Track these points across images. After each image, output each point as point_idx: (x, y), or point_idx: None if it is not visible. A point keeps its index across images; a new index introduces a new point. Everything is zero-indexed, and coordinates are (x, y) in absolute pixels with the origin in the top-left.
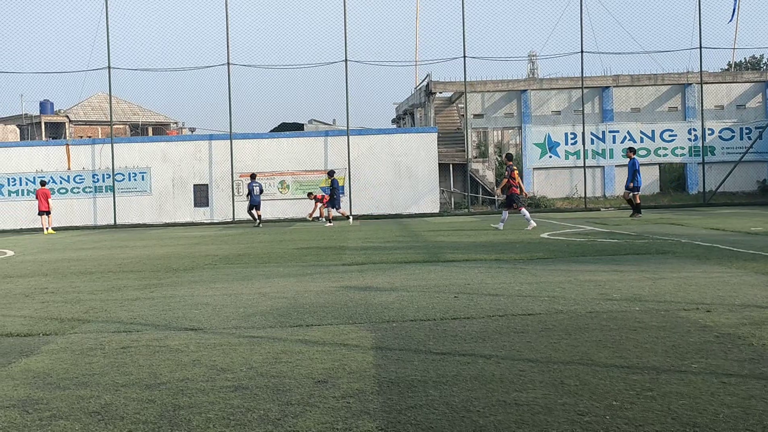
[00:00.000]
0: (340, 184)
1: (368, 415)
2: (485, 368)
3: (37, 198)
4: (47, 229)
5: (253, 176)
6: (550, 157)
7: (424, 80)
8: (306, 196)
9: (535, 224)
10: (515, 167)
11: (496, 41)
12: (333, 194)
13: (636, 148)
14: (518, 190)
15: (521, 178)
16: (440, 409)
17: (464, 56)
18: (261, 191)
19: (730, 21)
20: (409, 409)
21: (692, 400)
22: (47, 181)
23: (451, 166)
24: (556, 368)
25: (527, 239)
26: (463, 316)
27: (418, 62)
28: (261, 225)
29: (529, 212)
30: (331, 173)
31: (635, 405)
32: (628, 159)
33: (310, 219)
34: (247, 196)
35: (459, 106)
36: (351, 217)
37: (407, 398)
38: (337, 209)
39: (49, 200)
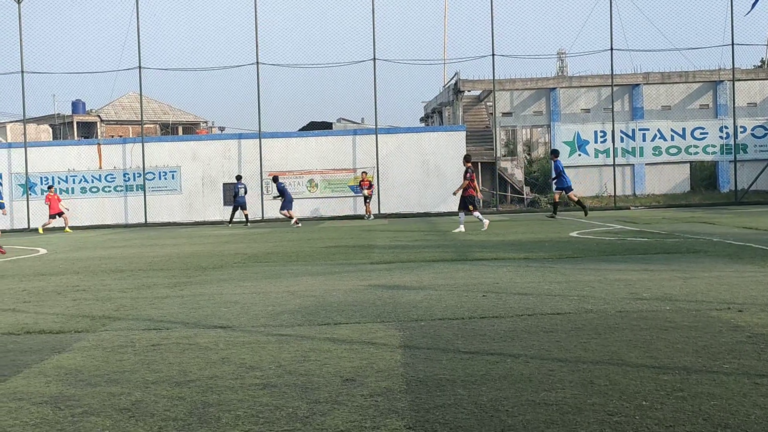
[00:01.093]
0: (371, 182)
1: (396, 413)
2: (514, 367)
3: (48, 202)
4: (66, 227)
5: (238, 178)
6: (579, 155)
7: (452, 78)
8: (334, 195)
9: (488, 221)
10: (473, 169)
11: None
12: (283, 196)
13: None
14: (475, 192)
15: (550, 176)
16: (468, 408)
17: (493, 54)
18: (246, 192)
19: (747, 14)
20: (437, 408)
21: (724, 401)
22: (52, 184)
23: (479, 164)
24: (585, 368)
25: (556, 238)
26: (492, 315)
27: (447, 60)
28: (249, 225)
29: (554, 210)
30: (275, 179)
31: (665, 405)
32: (552, 162)
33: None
34: (234, 197)
35: (487, 104)
36: (298, 222)
37: (435, 397)
38: (287, 210)
39: (60, 203)
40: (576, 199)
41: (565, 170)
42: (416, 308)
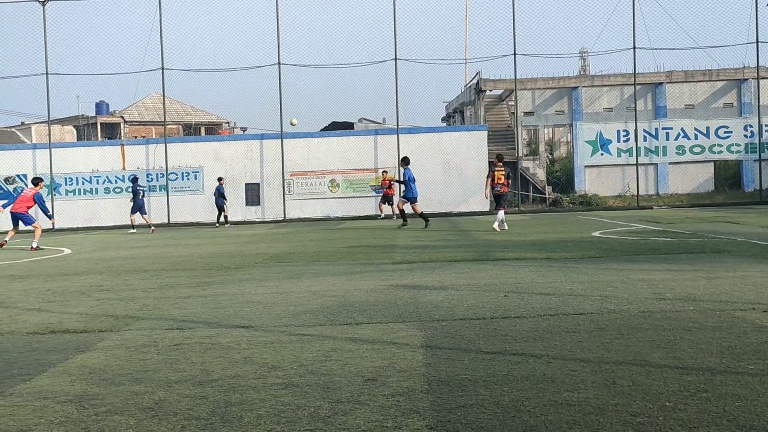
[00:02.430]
0: (392, 181)
1: (418, 413)
2: (536, 368)
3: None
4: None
5: (219, 179)
6: (602, 154)
7: (474, 78)
8: (356, 195)
9: (497, 227)
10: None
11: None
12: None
13: (688, 145)
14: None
15: (573, 175)
16: (490, 409)
17: (515, 54)
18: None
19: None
20: (458, 408)
21: (748, 403)
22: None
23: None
24: (608, 368)
25: (578, 238)
26: (514, 315)
27: (468, 60)
28: (229, 225)
29: (578, 211)
30: (219, 179)
31: (689, 406)
32: (402, 169)
33: None
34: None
35: (509, 103)
36: (229, 223)
37: (457, 397)
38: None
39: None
40: (419, 212)
41: (591, 170)
42: (438, 308)
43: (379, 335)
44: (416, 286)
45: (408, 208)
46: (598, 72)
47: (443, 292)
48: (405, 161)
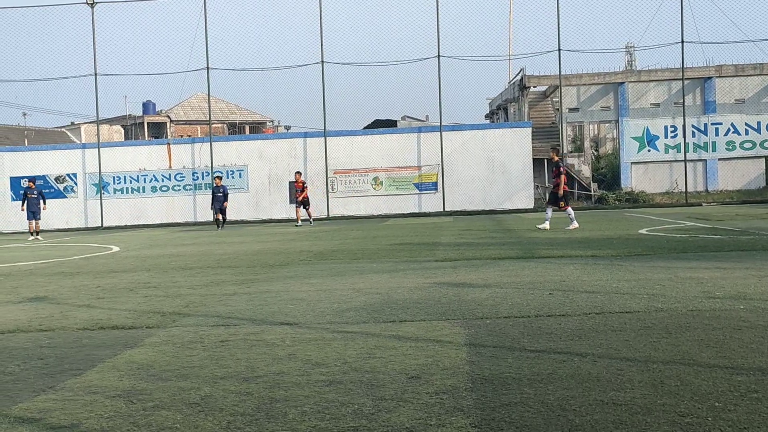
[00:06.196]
0: (432, 180)
1: (462, 411)
2: (581, 367)
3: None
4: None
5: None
6: (649, 150)
7: (517, 75)
8: (399, 193)
9: (547, 223)
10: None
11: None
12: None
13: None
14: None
15: (619, 172)
16: (535, 407)
17: (559, 49)
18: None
19: None
20: (503, 407)
21: None
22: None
23: (545, 161)
24: (655, 368)
25: (625, 235)
26: (559, 314)
27: (512, 56)
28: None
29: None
30: (219, 177)
31: (739, 407)
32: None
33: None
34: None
35: (554, 100)
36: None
37: (501, 395)
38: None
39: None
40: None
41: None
42: (481, 306)
43: (422, 333)
44: (460, 284)
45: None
46: (645, 67)
47: (487, 290)
48: (298, 173)
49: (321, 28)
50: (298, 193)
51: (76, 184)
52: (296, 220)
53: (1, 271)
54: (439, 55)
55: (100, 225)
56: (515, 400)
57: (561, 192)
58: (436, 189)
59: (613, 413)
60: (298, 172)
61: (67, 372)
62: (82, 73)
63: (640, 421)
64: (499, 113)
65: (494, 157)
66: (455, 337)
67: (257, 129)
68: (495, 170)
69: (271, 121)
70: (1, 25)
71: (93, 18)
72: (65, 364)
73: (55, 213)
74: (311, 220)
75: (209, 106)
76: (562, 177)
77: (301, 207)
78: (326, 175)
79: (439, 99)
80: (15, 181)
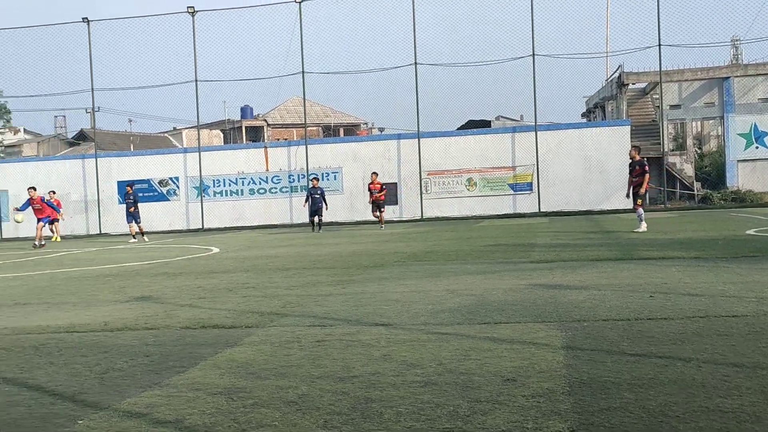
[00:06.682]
0: (527, 181)
1: (559, 415)
2: (685, 372)
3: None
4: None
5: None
6: (757, 147)
7: (615, 72)
8: (493, 193)
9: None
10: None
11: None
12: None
13: None
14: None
15: (724, 171)
16: (635, 413)
17: (659, 44)
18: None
19: None
20: (601, 411)
21: None
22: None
23: (645, 160)
24: (765, 374)
25: (731, 236)
26: (660, 317)
27: (609, 53)
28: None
29: (731, 208)
30: (316, 178)
31: None
32: None
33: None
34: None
35: (653, 96)
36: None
37: (600, 400)
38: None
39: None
40: None
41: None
42: (579, 308)
43: (518, 335)
44: (556, 286)
45: None
46: (752, 60)
47: (584, 292)
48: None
49: (414, 30)
50: (374, 194)
51: (178, 187)
52: (379, 223)
53: (110, 272)
54: (534, 54)
55: (200, 227)
56: (614, 404)
57: (642, 191)
58: (531, 189)
59: (719, 421)
60: (374, 173)
61: (171, 369)
62: (183, 80)
63: (748, 429)
64: (596, 111)
65: (591, 156)
66: (552, 339)
67: (351, 131)
68: (592, 170)
69: (365, 123)
70: (106, 36)
71: (194, 26)
72: (169, 361)
73: (158, 215)
74: (382, 224)
75: (304, 110)
76: (646, 176)
77: (378, 209)
78: (420, 177)
79: (534, 98)
80: (122, 185)
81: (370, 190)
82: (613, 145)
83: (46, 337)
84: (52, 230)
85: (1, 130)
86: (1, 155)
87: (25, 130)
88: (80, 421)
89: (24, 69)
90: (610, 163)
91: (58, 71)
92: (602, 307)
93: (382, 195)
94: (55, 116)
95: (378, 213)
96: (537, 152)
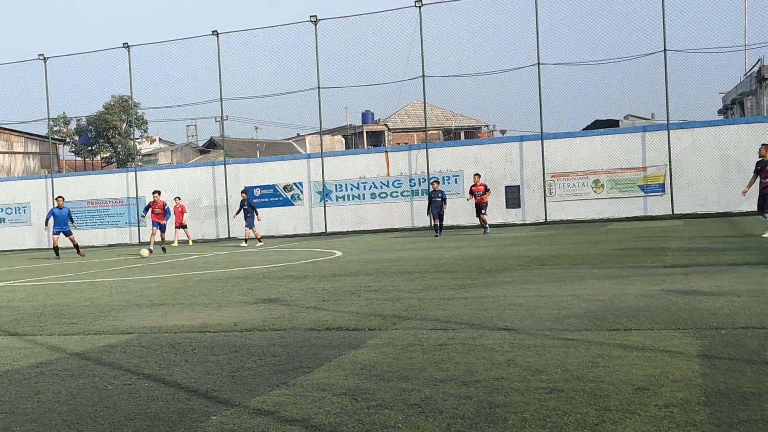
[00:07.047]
0: (659, 182)
1: (694, 426)
2: None
3: (173, 213)
4: (180, 240)
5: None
6: None
7: (755, 65)
8: (622, 195)
9: None
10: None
11: None
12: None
13: None
14: None
15: None
16: None
17: None
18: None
19: None
20: (740, 423)
21: None
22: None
23: None
24: None
25: None
26: None
27: (748, 46)
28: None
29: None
30: (436, 182)
31: None
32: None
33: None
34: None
35: None
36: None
37: (739, 411)
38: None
39: (185, 215)
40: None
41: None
42: (716, 315)
43: (650, 342)
44: (691, 292)
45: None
46: None
47: (722, 299)
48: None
49: (537, 29)
50: (477, 197)
51: (302, 192)
52: (482, 227)
53: (238, 274)
54: (665, 49)
55: (323, 231)
56: (755, 416)
57: None
58: (664, 191)
59: None
60: (476, 174)
61: (298, 369)
62: (306, 87)
63: None
64: (734, 108)
65: (729, 155)
66: (686, 347)
67: (472, 134)
68: (730, 169)
69: (486, 126)
70: (234, 46)
71: (316, 34)
72: (295, 361)
73: (283, 220)
74: (486, 227)
75: (425, 113)
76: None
77: (480, 213)
78: (543, 179)
79: (666, 96)
80: (249, 191)
81: (472, 192)
82: (752, 143)
83: (182, 336)
84: (163, 238)
85: (140, 140)
86: (140, 163)
87: (160, 139)
88: (213, 417)
89: (158, 81)
90: (750, 161)
91: (189, 83)
92: (742, 315)
93: (485, 197)
94: (187, 125)
95: (480, 216)
96: (669, 152)
